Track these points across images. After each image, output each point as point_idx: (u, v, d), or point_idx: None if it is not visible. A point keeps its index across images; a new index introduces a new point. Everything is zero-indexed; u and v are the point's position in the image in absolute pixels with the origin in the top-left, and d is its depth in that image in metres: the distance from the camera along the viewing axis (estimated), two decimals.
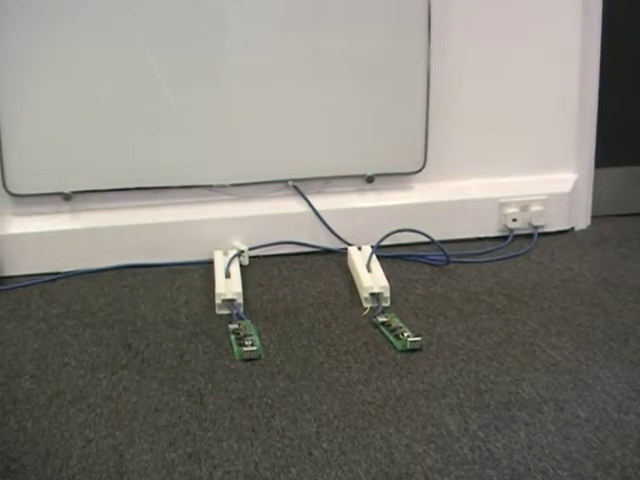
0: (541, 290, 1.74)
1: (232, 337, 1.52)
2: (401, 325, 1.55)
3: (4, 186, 1.81)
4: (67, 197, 1.83)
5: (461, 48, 1.95)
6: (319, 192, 1.97)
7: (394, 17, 1.87)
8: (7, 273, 1.83)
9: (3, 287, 1.78)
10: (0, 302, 1.71)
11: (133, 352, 1.48)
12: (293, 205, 1.96)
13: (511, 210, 2.03)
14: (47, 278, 1.82)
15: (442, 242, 1.90)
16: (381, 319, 1.59)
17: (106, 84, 1.80)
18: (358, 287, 1.73)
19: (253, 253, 1.91)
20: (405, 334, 1.49)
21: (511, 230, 2.04)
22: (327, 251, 1.96)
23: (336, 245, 1.96)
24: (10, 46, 1.73)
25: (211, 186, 1.91)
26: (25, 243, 1.83)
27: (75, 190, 1.84)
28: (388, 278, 1.71)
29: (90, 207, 1.87)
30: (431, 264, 1.89)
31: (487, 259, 1.91)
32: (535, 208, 2.04)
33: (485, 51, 1.97)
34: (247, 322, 1.57)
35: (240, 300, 1.65)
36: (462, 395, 1.32)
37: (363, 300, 1.68)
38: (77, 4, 1.74)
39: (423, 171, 1.99)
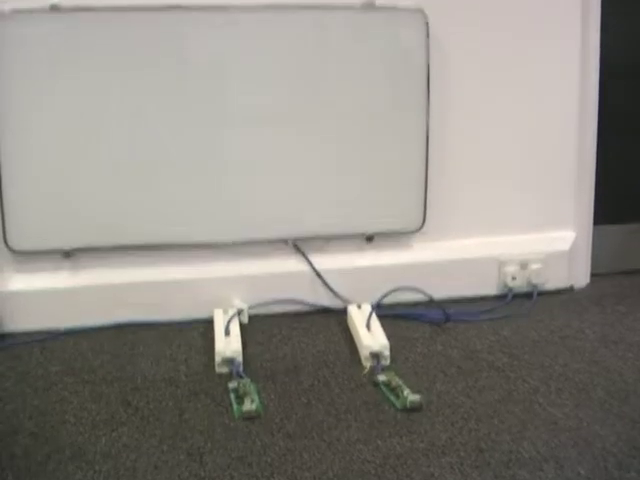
0: (541, 348, 1.73)
1: (232, 395, 1.52)
2: (401, 384, 1.55)
3: (5, 242, 1.82)
4: (67, 254, 1.84)
5: (460, 108, 1.97)
6: (319, 251, 1.97)
7: (393, 75, 1.89)
8: (7, 329, 1.83)
9: (3, 344, 1.78)
10: (0, 358, 1.71)
11: (132, 409, 1.48)
12: (293, 264, 1.96)
13: (510, 268, 2.04)
14: (47, 335, 1.82)
15: (441, 300, 1.91)
16: (381, 378, 1.58)
17: (106, 142, 1.81)
18: (358, 346, 1.73)
19: (253, 311, 1.91)
20: (405, 393, 1.49)
21: (510, 288, 2.04)
22: (327, 310, 1.96)
23: (336, 304, 1.96)
24: (12, 103, 1.75)
25: (211, 244, 1.91)
26: (25, 300, 1.84)
27: (76, 247, 1.84)
28: (388, 337, 1.71)
29: (90, 264, 1.88)
30: (431, 322, 1.89)
31: (487, 317, 1.91)
32: (534, 266, 2.04)
33: (483, 111, 1.99)
34: (247, 380, 1.57)
35: (240, 358, 1.64)
36: (462, 454, 1.32)
37: (363, 359, 1.68)
38: (78, 60, 1.76)
39: (422, 230, 2.00)
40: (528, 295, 2.04)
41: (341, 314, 1.92)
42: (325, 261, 1.96)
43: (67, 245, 1.84)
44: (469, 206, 2.04)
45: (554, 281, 2.08)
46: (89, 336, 1.82)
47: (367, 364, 1.66)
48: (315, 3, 1.83)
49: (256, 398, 1.50)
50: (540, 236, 2.08)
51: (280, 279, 1.95)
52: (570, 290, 2.10)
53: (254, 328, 1.86)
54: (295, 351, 1.74)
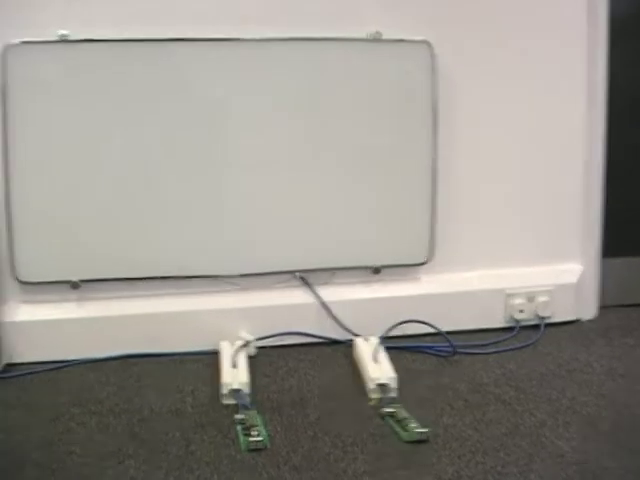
0: (548, 381, 1.73)
1: (238, 427, 1.51)
2: (407, 416, 1.54)
3: (13, 273, 1.82)
4: (75, 285, 1.84)
5: (467, 141, 1.98)
6: (326, 283, 1.98)
7: (400, 108, 1.90)
8: (14, 360, 1.83)
9: (10, 374, 1.78)
10: (6, 389, 1.71)
11: (139, 441, 1.48)
12: (300, 296, 1.96)
13: (517, 301, 2.03)
14: (54, 366, 1.81)
15: (448, 333, 1.90)
16: (388, 410, 1.58)
17: (113, 175, 1.82)
18: (365, 378, 1.73)
19: (260, 343, 1.90)
20: (412, 425, 1.49)
21: (517, 321, 2.04)
22: (334, 342, 1.96)
23: (343, 336, 1.95)
24: (20, 135, 1.76)
25: (218, 276, 1.92)
26: (32, 331, 1.84)
27: (83, 279, 1.85)
28: (395, 369, 1.70)
29: (97, 296, 1.88)
30: (438, 355, 1.88)
31: (493, 350, 1.91)
32: (541, 299, 2.04)
33: (490, 145, 1.99)
34: (253, 412, 1.57)
35: (246, 390, 1.64)
36: None
37: (369, 391, 1.67)
38: (85, 91, 1.78)
39: (429, 263, 2.00)
40: (535, 328, 2.03)
41: (348, 346, 1.92)
42: (332, 293, 1.96)
43: (74, 276, 1.84)
44: (476, 239, 2.04)
45: (561, 313, 2.08)
46: (96, 367, 1.82)
47: (374, 396, 1.66)
48: (321, 36, 1.84)
49: (263, 430, 1.49)
50: (547, 269, 2.08)
51: (287, 311, 1.95)
52: (577, 322, 2.10)
53: (261, 360, 1.86)
54: (302, 383, 1.74)
